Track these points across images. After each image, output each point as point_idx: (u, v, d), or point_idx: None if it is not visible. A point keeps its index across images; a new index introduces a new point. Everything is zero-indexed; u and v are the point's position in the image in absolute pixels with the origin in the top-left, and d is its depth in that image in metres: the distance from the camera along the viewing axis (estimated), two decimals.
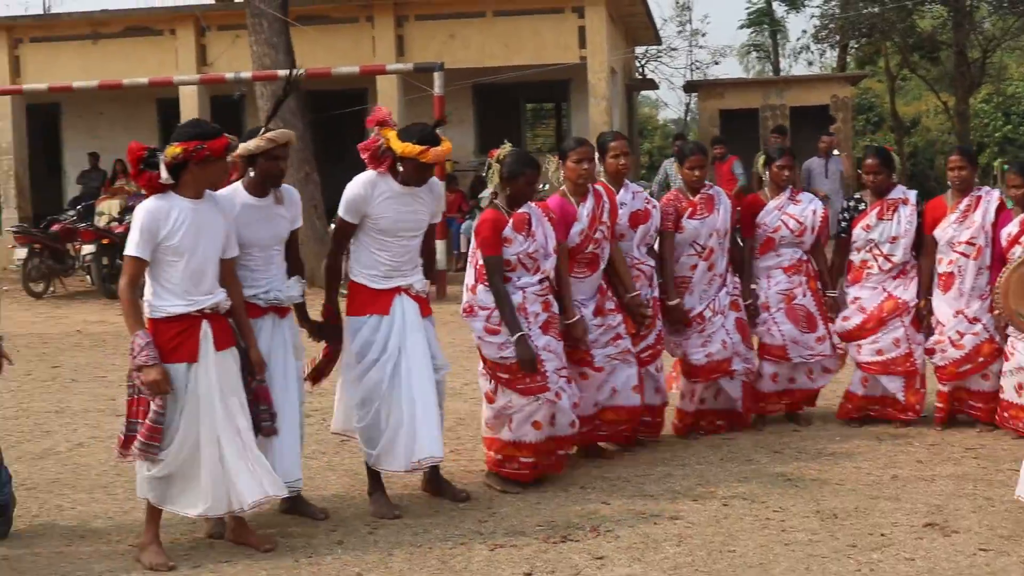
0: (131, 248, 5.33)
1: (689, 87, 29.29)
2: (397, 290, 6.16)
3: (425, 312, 6.27)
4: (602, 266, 6.99)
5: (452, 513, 6.15)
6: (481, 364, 6.54)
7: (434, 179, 6.36)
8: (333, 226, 6.36)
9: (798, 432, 7.76)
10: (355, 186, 6.11)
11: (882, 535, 5.58)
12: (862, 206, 7.90)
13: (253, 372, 5.67)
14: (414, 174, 6.06)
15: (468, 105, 22.32)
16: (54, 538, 5.86)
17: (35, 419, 8.68)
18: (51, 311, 15.63)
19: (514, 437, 6.45)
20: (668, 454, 7.28)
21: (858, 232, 7.83)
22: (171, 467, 5.38)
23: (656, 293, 7.38)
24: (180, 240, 5.33)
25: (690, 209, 7.55)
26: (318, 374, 6.40)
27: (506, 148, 6.53)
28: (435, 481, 6.45)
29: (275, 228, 5.93)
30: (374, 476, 6.25)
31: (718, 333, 7.55)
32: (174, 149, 5.31)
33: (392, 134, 6.01)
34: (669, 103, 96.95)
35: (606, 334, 6.94)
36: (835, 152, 16.88)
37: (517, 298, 6.36)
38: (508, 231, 6.37)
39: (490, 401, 6.49)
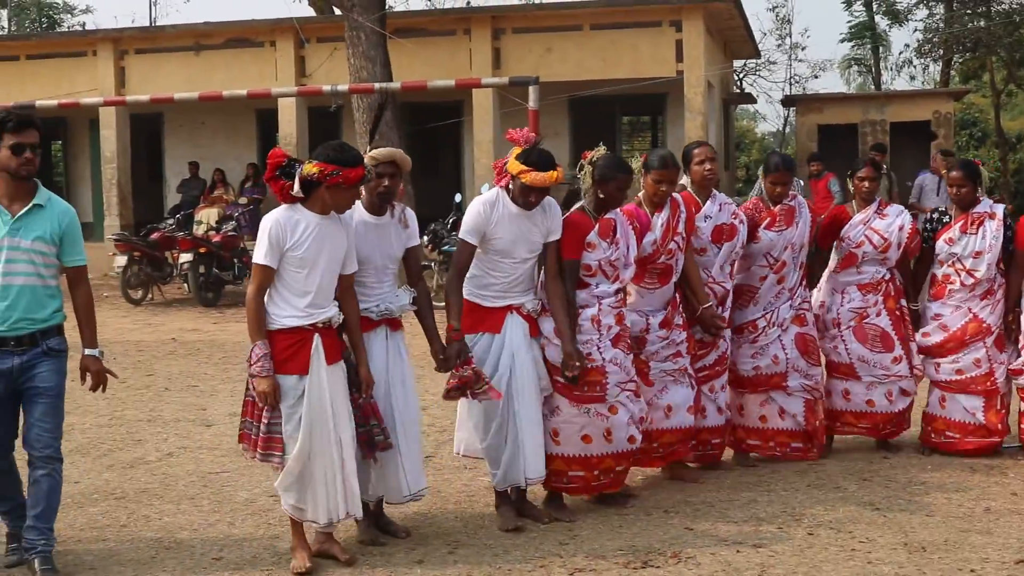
0: (259, 256, 5.49)
1: (787, 101, 28.97)
2: (508, 308, 6.19)
3: (534, 332, 6.28)
4: (674, 278, 6.85)
5: (533, 534, 6.12)
6: None
7: (551, 200, 6.32)
8: (454, 247, 6.37)
9: (888, 460, 7.60)
10: (475, 206, 6.16)
11: (972, 571, 5.43)
12: (946, 219, 7.74)
13: (360, 388, 5.76)
14: (518, 195, 6.07)
15: (564, 118, 22.33)
16: (140, 548, 5.95)
17: (127, 427, 8.84)
18: (148, 318, 15.92)
19: (561, 451, 6.35)
20: (754, 479, 7.18)
21: (941, 245, 7.67)
22: (293, 476, 5.53)
23: (726, 315, 7.19)
24: (305, 252, 5.48)
25: (768, 219, 7.40)
26: (459, 392, 6.19)
27: (600, 150, 6.45)
28: (520, 501, 6.40)
29: (388, 247, 6.00)
30: (499, 492, 6.32)
31: (771, 346, 7.38)
32: (311, 168, 5.44)
33: (516, 151, 6.07)
34: (767, 116, 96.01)
35: (668, 348, 6.80)
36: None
37: (592, 310, 6.29)
38: (593, 236, 6.31)
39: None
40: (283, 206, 5.57)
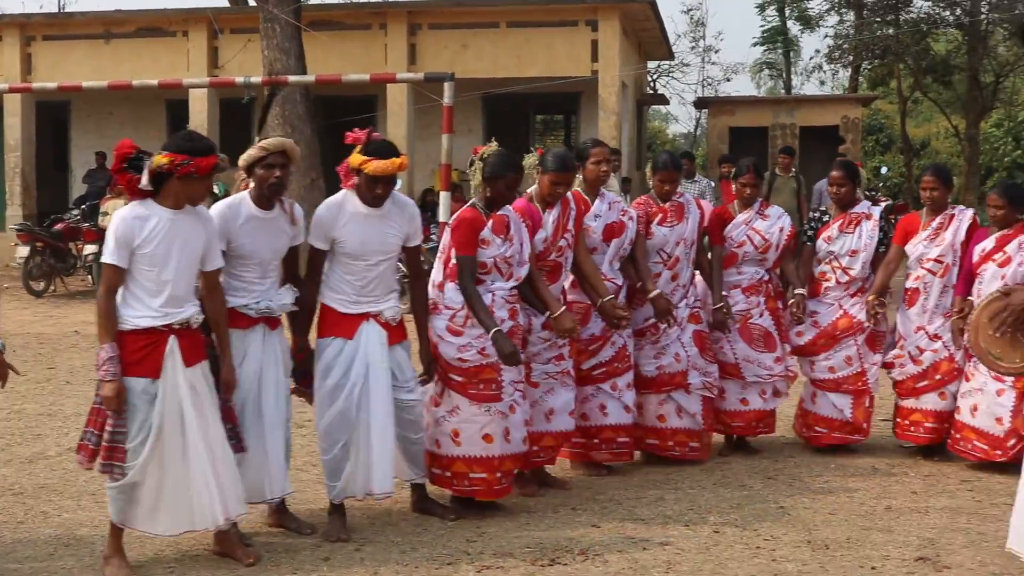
0: (106, 255, 5.23)
1: (700, 103, 29.26)
2: (365, 316, 6.01)
3: (396, 339, 6.09)
4: (563, 276, 6.79)
5: (440, 532, 6.09)
6: None
7: (407, 200, 6.19)
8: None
9: (793, 458, 7.70)
10: (319, 210, 5.99)
11: (873, 568, 5.52)
12: (826, 218, 7.91)
13: (219, 388, 5.54)
14: (365, 189, 5.90)
15: (478, 115, 22.31)
16: (38, 545, 5.82)
17: (27, 422, 8.66)
18: (50, 311, 15.61)
19: (463, 452, 6.24)
20: (660, 477, 7.22)
21: (820, 244, 7.84)
22: (133, 483, 5.25)
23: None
24: (155, 249, 5.22)
25: (660, 215, 7.43)
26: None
27: (492, 147, 6.38)
28: (423, 498, 6.38)
29: (276, 242, 5.84)
30: (334, 503, 6.10)
31: (672, 345, 7.39)
32: (161, 159, 5.20)
33: (355, 153, 5.93)
34: (680, 118, 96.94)
35: (550, 350, 6.69)
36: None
37: (486, 300, 6.18)
38: (487, 233, 6.22)
39: (435, 405, 6.29)
40: (132, 202, 5.28)
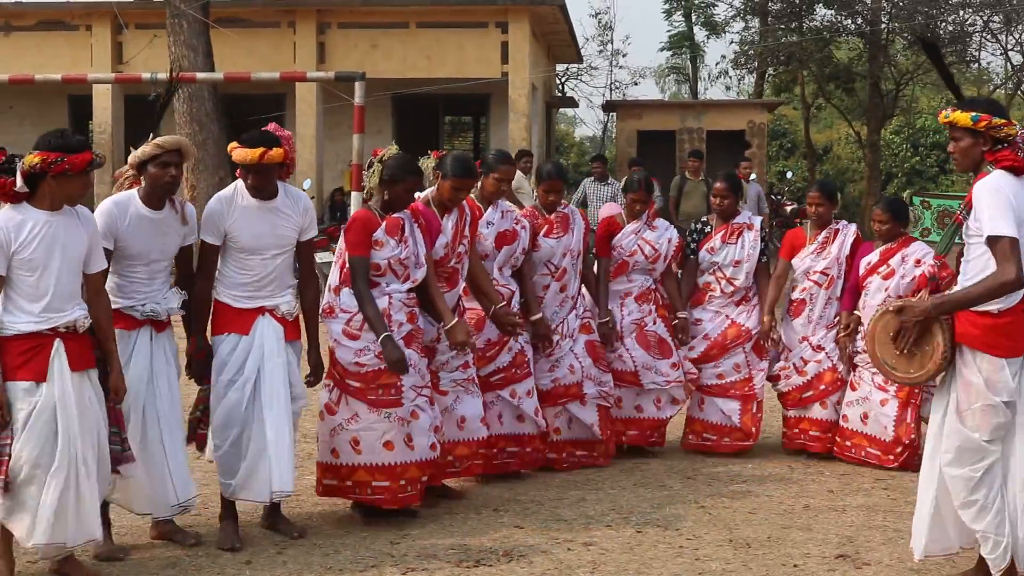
0: None
1: (608, 107, 29.42)
2: (260, 310, 5.88)
3: (290, 335, 5.97)
4: (461, 282, 6.73)
5: (363, 535, 6.03)
6: (325, 374, 6.23)
7: (300, 192, 6.08)
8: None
9: (711, 459, 7.77)
10: (210, 203, 5.85)
11: (795, 566, 5.59)
12: (708, 229, 8.02)
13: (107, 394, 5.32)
14: (252, 179, 5.79)
15: (387, 116, 22.21)
16: None
17: None
18: None
19: (364, 460, 6.08)
20: (581, 478, 7.24)
21: (703, 255, 7.95)
22: (18, 485, 5.02)
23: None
24: (33, 254, 5.01)
25: (546, 227, 7.41)
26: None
27: (392, 149, 6.28)
28: (272, 515, 6.09)
29: (165, 243, 5.68)
30: (227, 503, 5.93)
31: (566, 357, 7.37)
32: (32, 158, 5.00)
33: (232, 147, 5.82)
34: (587, 121, 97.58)
35: (457, 358, 6.62)
36: (752, 177, 17.04)
37: (383, 303, 6.07)
38: (380, 234, 6.11)
39: (331, 413, 6.12)
40: (6, 207, 5.05)
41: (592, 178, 17.00)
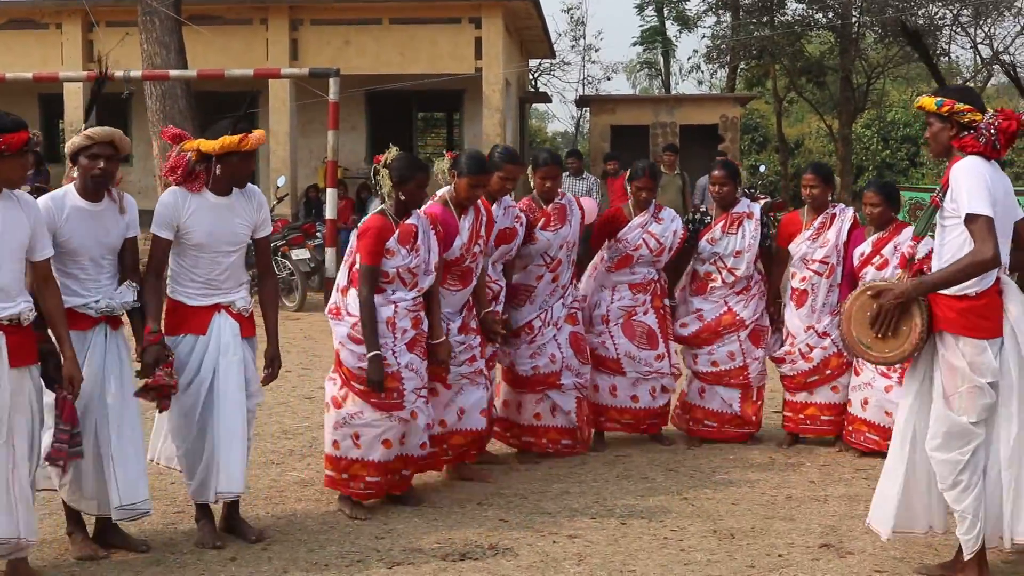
0: None
1: (581, 102, 29.49)
2: (216, 308, 5.78)
3: (246, 332, 5.87)
4: (474, 281, 6.81)
5: (348, 529, 6.02)
6: (332, 368, 6.32)
7: (255, 188, 5.96)
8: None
9: (692, 451, 7.79)
10: (165, 197, 5.68)
11: (779, 556, 5.61)
12: (708, 219, 8.01)
13: (62, 384, 5.15)
14: (238, 169, 5.70)
15: (360, 112, 22.22)
16: None
17: None
18: None
19: (362, 455, 6.18)
20: (564, 471, 7.25)
21: (703, 245, 7.93)
22: None
23: (500, 309, 7.17)
24: None
25: (543, 220, 7.43)
26: (153, 393, 5.65)
27: (393, 152, 6.32)
28: (231, 517, 5.92)
29: (105, 236, 5.49)
30: (200, 505, 5.84)
31: (548, 345, 7.41)
32: None
33: (198, 142, 5.65)
34: (559, 116, 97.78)
35: (464, 352, 6.76)
36: None
37: (388, 311, 6.14)
38: (392, 243, 6.16)
39: (337, 406, 6.18)
40: None
41: (567, 173, 16.98)
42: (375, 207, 6.47)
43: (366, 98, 21.84)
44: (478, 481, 6.95)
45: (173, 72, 15.85)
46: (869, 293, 5.25)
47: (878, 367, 7.24)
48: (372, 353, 6.02)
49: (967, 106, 5.06)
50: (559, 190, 7.54)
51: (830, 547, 5.73)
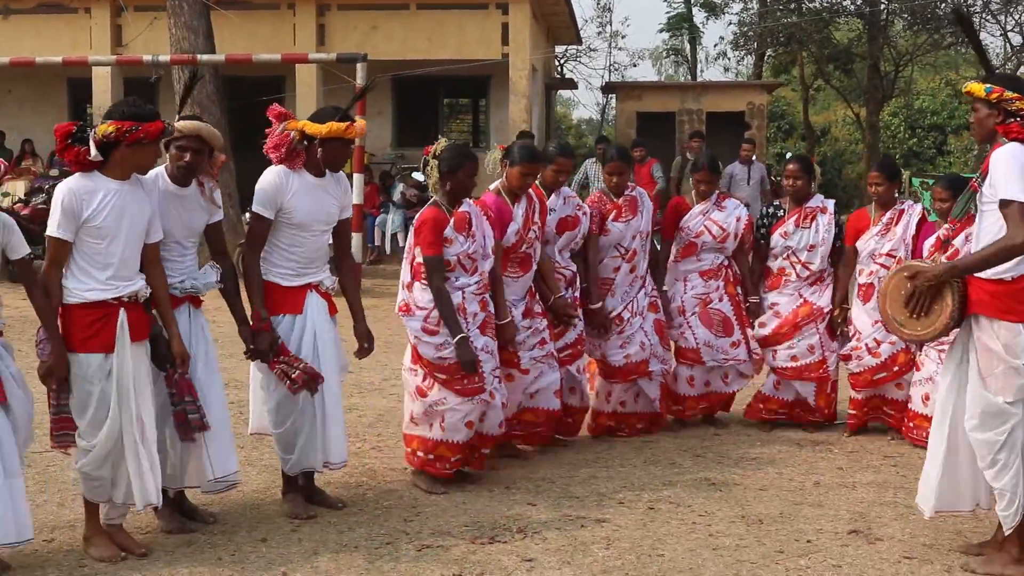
0: (53, 229, 5.12)
1: (608, 88, 29.41)
2: (308, 287, 5.98)
3: (332, 311, 6.10)
4: (534, 267, 6.95)
5: (376, 512, 6.06)
6: (408, 359, 6.45)
7: (341, 173, 6.14)
8: (247, 223, 6.06)
9: (719, 436, 7.80)
10: (269, 176, 5.88)
11: (808, 541, 5.61)
12: (780, 213, 8.00)
13: (175, 364, 5.46)
14: (338, 154, 5.91)
15: (387, 97, 22.19)
16: None
17: None
18: None
19: (446, 436, 6.34)
20: (591, 456, 7.26)
21: (776, 239, 7.92)
22: (99, 459, 5.22)
23: (576, 296, 7.35)
24: (104, 221, 5.12)
25: (615, 212, 7.56)
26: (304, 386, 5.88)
27: (442, 143, 6.43)
28: (311, 488, 6.18)
29: (190, 220, 5.69)
30: (289, 478, 6.08)
31: (637, 334, 7.55)
32: (107, 127, 5.10)
33: (302, 123, 5.84)
34: (585, 103, 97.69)
35: (533, 336, 6.92)
36: (754, 159, 17.04)
37: (456, 298, 6.27)
38: (449, 231, 6.28)
39: (422, 395, 6.33)
40: (76, 174, 5.18)
41: (594, 159, 17.00)
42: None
43: (392, 84, 21.84)
44: (522, 459, 7.10)
45: (201, 56, 15.90)
46: (905, 274, 5.29)
47: (941, 360, 7.21)
48: (459, 337, 6.17)
49: (1016, 95, 5.07)
50: (628, 183, 7.65)
51: (859, 533, 5.73)
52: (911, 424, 7.49)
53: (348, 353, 6.33)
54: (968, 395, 5.16)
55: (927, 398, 7.35)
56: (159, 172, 5.66)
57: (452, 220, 6.30)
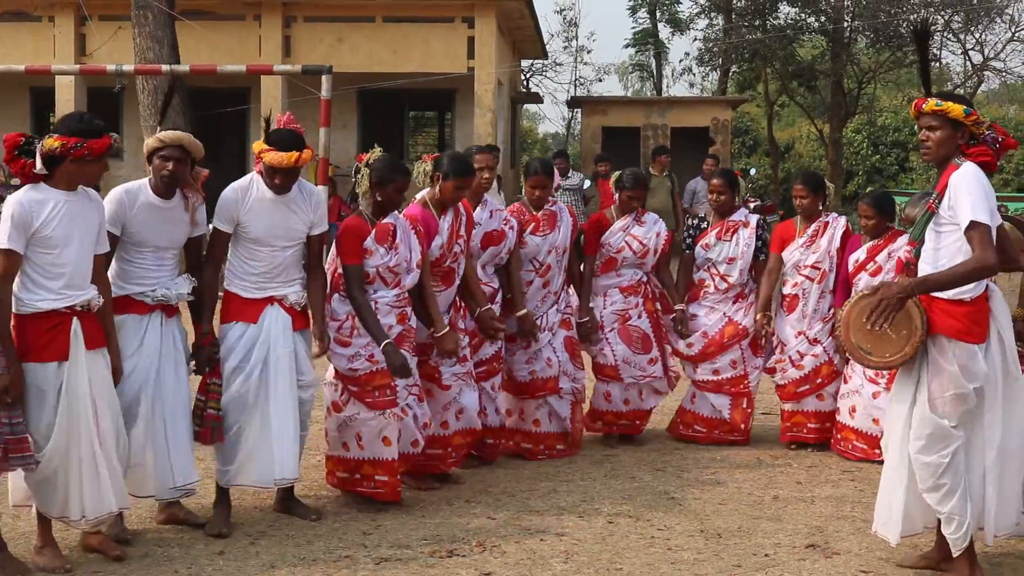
0: (3, 241, 5.09)
1: (573, 103, 29.50)
2: (269, 300, 5.98)
3: (298, 325, 6.06)
4: (457, 281, 6.82)
5: (335, 525, 6.04)
6: (330, 373, 6.37)
7: (313, 188, 6.18)
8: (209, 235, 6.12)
9: (679, 451, 7.82)
10: (227, 190, 5.94)
11: (766, 555, 5.64)
12: (704, 225, 8.05)
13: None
14: (265, 176, 5.90)
15: (352, 110, 22.15)
16: None
17: None
18: None
19: (370, 455, 6.22)
20: (552, 469, 7.27)
21: (698, 251, 8.00)
22: (49, 470, 5.20)
23: (496, 311, 7.20)
24: (54, 231, 5.14)
25: (533, 224, 7.48)
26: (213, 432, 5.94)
27: (376, 152, 6.37)
28: (286, 500, 6.24)
29: (172, 232, 5.76)
30: (222, 490, 6.03)
31: (544, 350, 7.46)
32: (52, 142, 5.12)
33: (260, 149, 5.89)
34: (550, 117, 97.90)
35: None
36: None
37: None
38: (370, 242, 6.20)
39: (337, 410, 6.26)
40: (26, 186, 5.19)
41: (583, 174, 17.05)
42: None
43: (358, 96, 21.82)
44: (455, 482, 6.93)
45: (165, 67, 15.79)
46: (867, 297, 5.23)
47: (867, 372, 7.28)
48: (385, 343, 6.11)
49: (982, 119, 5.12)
50: (550, 198, 7.58)
51: (816, 547, 5.76)
52: (839, 436, 7.62)
53: (319, 368, 6.32)
54: (915, 417, 5.17)
55: (854, 410, 7.51)
56: (142, 185, 5.70)
57: (374, 231, 6.23)
